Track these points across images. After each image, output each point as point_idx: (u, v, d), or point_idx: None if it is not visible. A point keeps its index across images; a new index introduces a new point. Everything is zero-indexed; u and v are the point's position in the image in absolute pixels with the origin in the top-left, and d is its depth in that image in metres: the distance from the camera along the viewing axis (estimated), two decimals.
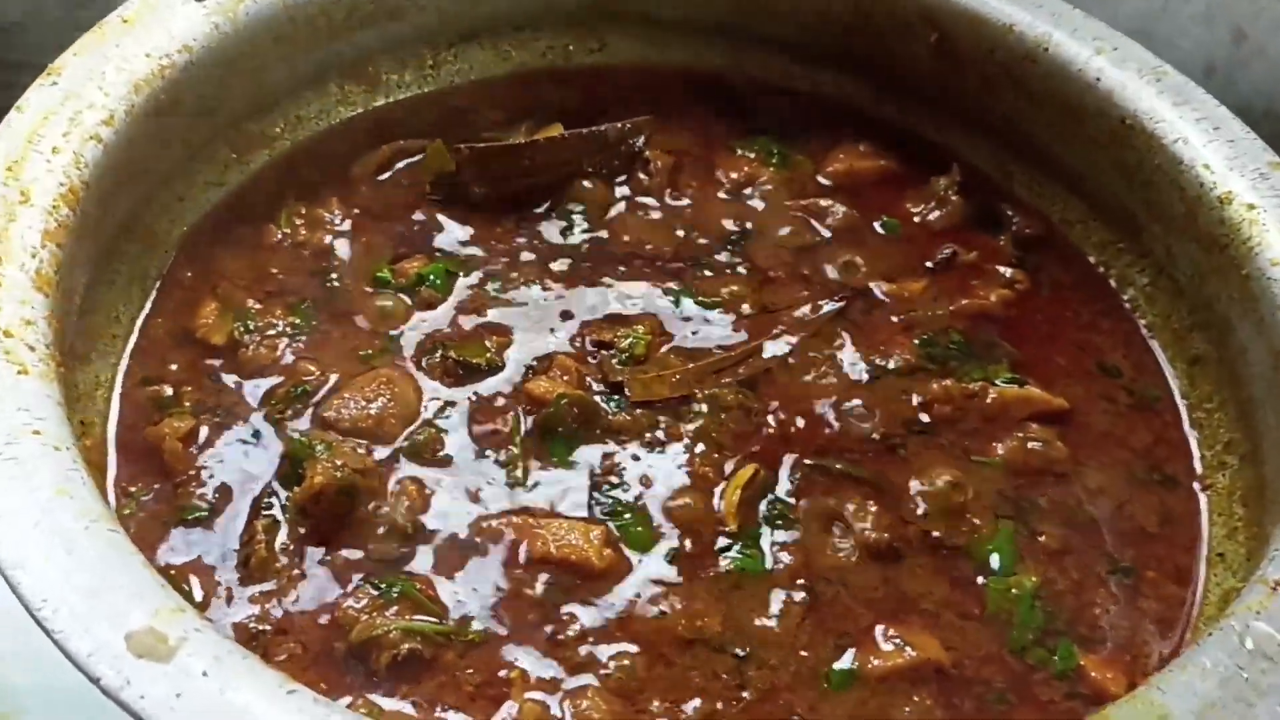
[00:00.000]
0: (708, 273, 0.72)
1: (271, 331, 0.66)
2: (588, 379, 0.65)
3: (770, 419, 0.65)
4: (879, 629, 0.57)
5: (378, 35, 0.76)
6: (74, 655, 0.40)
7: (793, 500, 0.62)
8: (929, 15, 0.77)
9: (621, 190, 0.77)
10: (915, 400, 0.66)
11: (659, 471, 0.62)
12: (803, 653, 0.56)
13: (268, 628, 0.55)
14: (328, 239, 0.71)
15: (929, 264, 0.74)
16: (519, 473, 0.61)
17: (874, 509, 0.61)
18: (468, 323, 0.68)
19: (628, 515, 0.60)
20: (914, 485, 0.63)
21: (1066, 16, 0.74)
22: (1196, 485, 0.66)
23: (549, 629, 0.56)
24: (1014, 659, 0.57)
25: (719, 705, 0.54)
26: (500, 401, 0.64)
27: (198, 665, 0.40)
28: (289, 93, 0.74)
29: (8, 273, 0.50)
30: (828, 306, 0.70)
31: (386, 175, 0.76)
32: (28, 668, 0.75)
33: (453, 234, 0.73)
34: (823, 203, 0.77)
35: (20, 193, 0.54)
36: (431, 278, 0.69)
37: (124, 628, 0.40)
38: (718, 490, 0.61)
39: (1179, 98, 0.70)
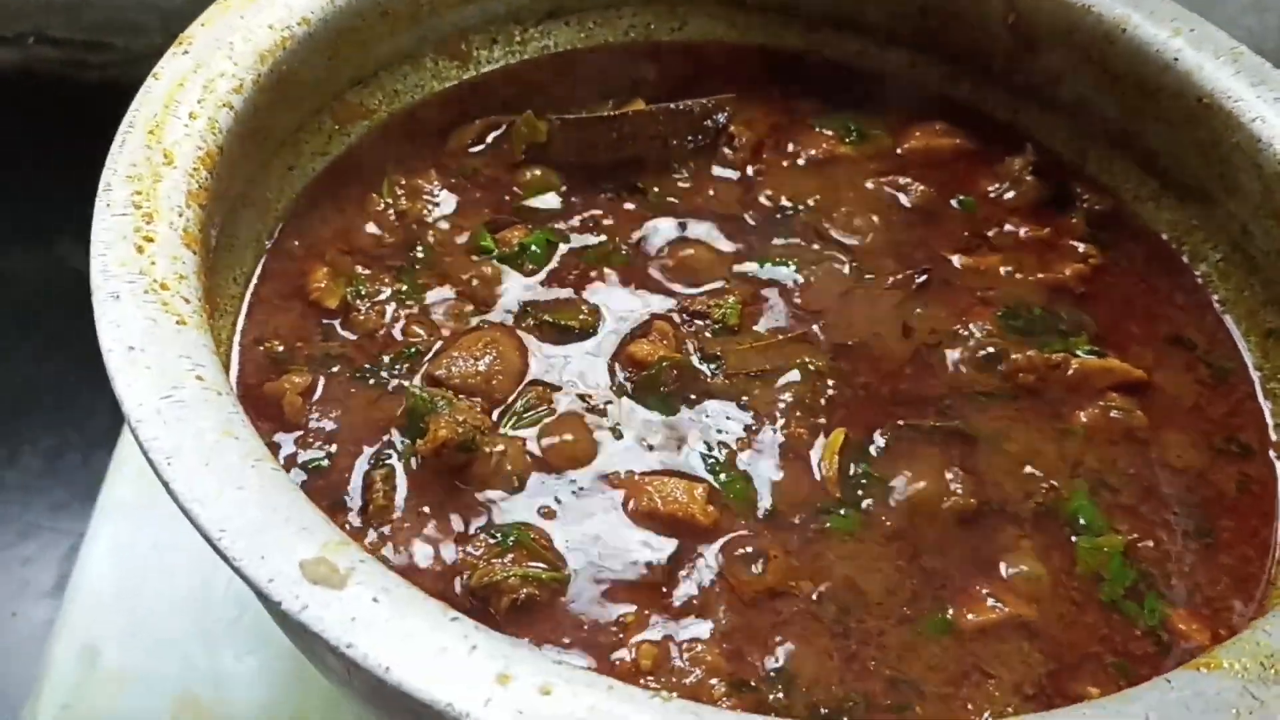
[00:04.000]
0: (794, 243, 0.75)
1: (381, 296, 0.68)
2: (685, 343, 0.68)
3: (860, 384, 0.68)
4: (974, 586, 0.59)
5: (474, 11, 0.78)
6: (254, 581, 0.42)
7: (884, 462, 0.64)
8: None
9: (707, 164, 0.79)
10: (1000, 368, 0.69)
11: (756, 432, 0.64)
12: (903, 608, 0.58)
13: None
14: (428, 208, 0.74)
15: (904, 280, 0.74)
16: (623, 431, 0.64)
17: (962, 472, 0.64)
18: (565, 289, 0.71)
19: (727, 474, 0.63)
20: (998, 449, 0.66)
21: None
22: (1272, 453, 0.68)
23: (658, 580, 0.58)
24: (1105, 612, 0.59)
25: (821, 652, 0.57)
26: (601, 363, 0.67)
27: (368, 593, 0.43)
28: (388, 66, 0.77)
29: (159, 230, 0.53)
30: (918, 279, 0.72)
31: (481, 147, 0.78)
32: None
33: (546, 203, 0.76)
34: (901, 179, 0.80)
35: (164, 154, 0.56)
36: (533, 247, 0.71)
37: (298, 556, 0.43)
38: (813, 450, 0.64)
39: (1256, 78, 0.72)
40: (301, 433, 0.63)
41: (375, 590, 0.43)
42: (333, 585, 0.42)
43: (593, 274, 0.71)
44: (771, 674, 0.56)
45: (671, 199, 0.77)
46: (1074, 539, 0.62)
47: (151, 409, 0.47)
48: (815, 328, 0.70)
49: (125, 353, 0.48)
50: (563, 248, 0.73)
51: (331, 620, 0.42)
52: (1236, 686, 0.44)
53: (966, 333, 0.71)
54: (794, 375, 0.67)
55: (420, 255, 0.71)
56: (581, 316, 0.69)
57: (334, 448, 0.62)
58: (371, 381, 0.65)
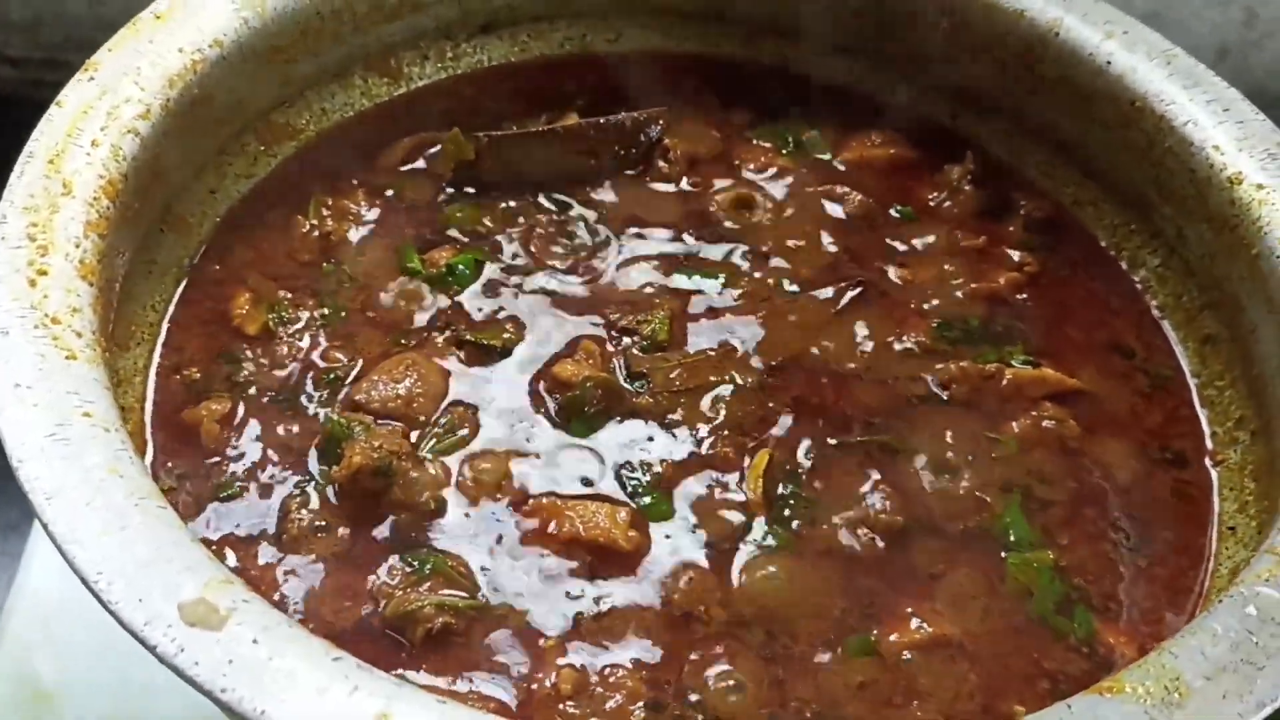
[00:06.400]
0: (727, 258, 0.74)
1: (302, 321, 0.67)
2: (612, 362, 0.67)
3: (790, 400, 0.66)
4: (901, 606, 0.58)
5: (400, 28, 0.78)
6: (129, 624, 0.42)
7: (812, 481, 0.63)
8: (941, 1, 0.78)
9: (640, 178, 0.78)
10: (933, 380, 0.68)
11: (682, 453, 0.63)
12: (830, 631, 0.57)
13: (302, 601, 0.57)
14: (354, 229, 0.73)
15: (838, 293, 0.72)
16: (545, 454, 0.63)
17: (891, 490, 0.63)
18: (490, 308, 0.70)
19: (651, 497, 0.62)
20: (929, 464, 0.65)
21: (1077, 1, 0.75)
22: (1208, 461, 0.67)
23: (578, 606, 0.57)
24: (1034, 628, 0.58)
25: (747, 674, 0.56)
26: (525, 384, 0.66)
27: (248, 634, 0.42)
28: (314, 85, 0.76)
29: (54, 262, 0.52)
30: (850, 292, 0.71)
31: (410, 166, 0.77)
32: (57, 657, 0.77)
33: (474, 222, 0.75)
34: (839, 189, 0.79)
35: (63, 184, 0.56)
36: (460, 267, 0.70)
37: (176, 598, 0.42)
38: (741, 470, 0.63)
39: (1189, 80, 0.71)
40: (219, 460, 0.62)
41: (256, 630, 0.42)
42: (211, 626, 0.41)
43: (519, 293, 0.70)
44: (691, 699, 0.55)
45: (603, 214, 0.76)
46: (1003, 555, 0.61)
47: (35, 447, 0.46)
48: (746, 343, 0.69)
49: (11, 390, 0.47)
50: (490, 267, 0.72)
51: (207, 663, 0.41)
52: (1138, 712, 0.43)
53: (901, 345, 0.70)
54: (723, 391, 0.67)
55: (344, 278, 0.70)
56: (506, 336, 0.68)
57: (251, 475, 0.61)
58: (291, 408, 0.64)
